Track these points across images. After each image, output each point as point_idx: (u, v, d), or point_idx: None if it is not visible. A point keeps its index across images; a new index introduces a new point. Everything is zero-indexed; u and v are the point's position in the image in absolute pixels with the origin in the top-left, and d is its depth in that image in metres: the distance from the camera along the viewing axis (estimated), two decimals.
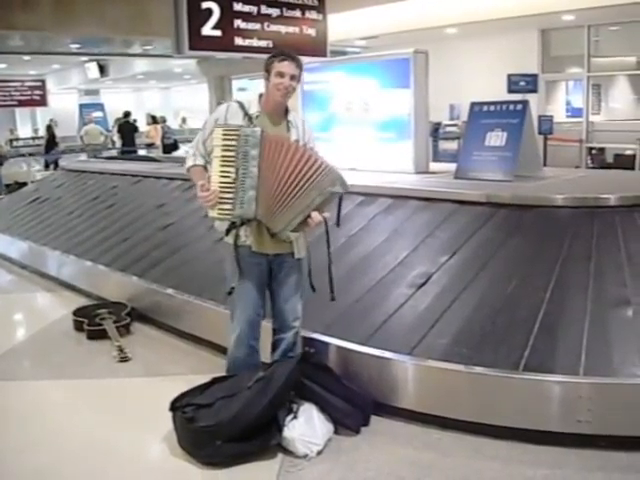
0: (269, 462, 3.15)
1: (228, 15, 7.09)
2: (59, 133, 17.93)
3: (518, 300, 3.67)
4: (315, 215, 3.24)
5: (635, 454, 3.07)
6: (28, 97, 17.43)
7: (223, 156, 3.22)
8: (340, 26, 10.45)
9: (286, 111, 3.47)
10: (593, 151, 13.44)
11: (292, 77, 3.34)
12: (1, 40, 14.26)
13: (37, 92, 17.36)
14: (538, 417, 3.19)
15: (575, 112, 14.37)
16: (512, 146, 5.30)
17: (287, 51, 3.50)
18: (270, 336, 3.63)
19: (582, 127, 13.66)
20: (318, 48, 8.04)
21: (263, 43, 7.28)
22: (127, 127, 17.58)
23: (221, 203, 3.23)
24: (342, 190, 3.27)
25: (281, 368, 3.34)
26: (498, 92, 11.53)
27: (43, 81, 17.98)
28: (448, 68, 12.63)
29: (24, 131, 23.50)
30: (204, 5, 6.91)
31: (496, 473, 3.00)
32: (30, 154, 14.78)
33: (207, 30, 6.95)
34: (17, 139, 17.24)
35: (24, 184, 12.23)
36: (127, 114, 17.80)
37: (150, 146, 17.31)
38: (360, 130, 6.38)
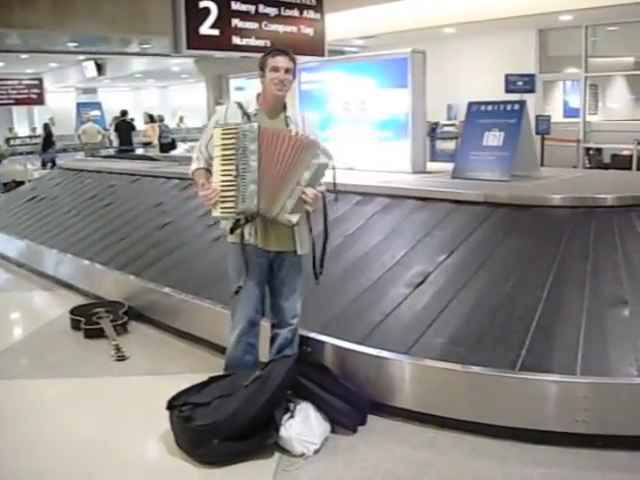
0: (266, 461, 3.15)
1: (226, 14, 7.07)
2: (56, 132, 17.91)
3: (515, 299, 3.67)
4: (308, 190, 3.24)
5: (632, 453, 3.07)
6: (25, 96, 17.40)
7: (223, 155, 3.25)
8: (338, 26, 10.45)
9: (285, 108, 3.50)
10: (590, 151, 13.46)
11: (287, 70, 3.38)
12: None
13: (34, 91, 17.33)
14: (535, 416, 3.19)
15: (572, 112, 14.38)
16: (509, 146, 5.31)
17: (278, 47, 3.55)
18: (269, 334, 3.64)
19: (579, 127, 13.69)
20: (316, 47, 8.02)
21: (261, 42, 7.27)
22: (124, 126, 17.55)
23: (223, 202, 3.25)
24: (327, 160, 3.29)
25: (278, 367, 3.35)
26: (496, 92, 11.56)
27: (40, 80, 17.94)
28: (446, 68, 12.64)
29: (21, 130, 23.48)
30: (202, 4, 6.89)
31: (493, 472, 3.01)
32: (27, 153, 14.75)
33: (205, 29, 6.94)
34: (14, 138, 17.20)
35: (21, 183, 12.21)
36: (124, 113, 17.77)
37: (147, 145, 17.30)
38: (358, 130, 6.38)
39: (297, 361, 3.44)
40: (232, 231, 3.42)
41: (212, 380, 3.48)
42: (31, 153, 15.19)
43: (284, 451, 3.20)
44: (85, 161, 11.00)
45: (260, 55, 3.52)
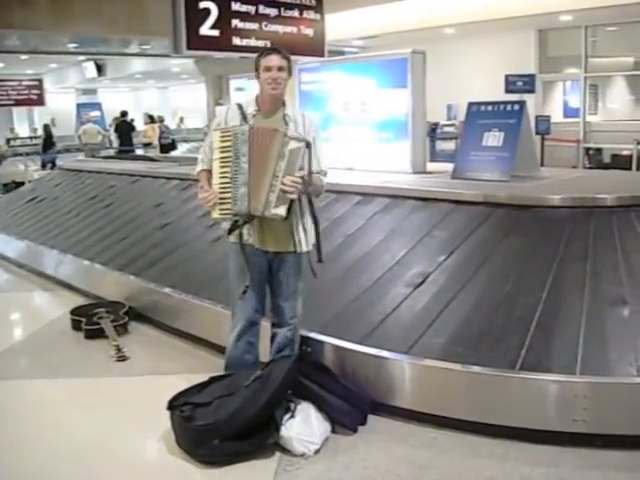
0: (267, 461, 3.16)
1: (226, 15, 7.08)
2: (57, 132, 17.91)
3: (515, 299, 3.68)
4: (286, 179, 3.21)
5: (631, 453, 3.08)
6: (25, 96, 17.41)
7: (221, 158, 3.29)
8: (338, 26, 10.45)
9: (284, 106, 3.48)
10: (590, 151, 13.47)
11: (280, 69, 3.37)
12: None
13: (34, 91, 17.33)
14: (535, 416, 3.20)
15: (572, 112, 14.38)
16: (509, 146, 5.32)
17: (270, 46, 3.55)
18: (269, 333, 3.65)
19: (579, 127, 13.70)
20: (316, 48, 8.03)
21: (261, 43, 7.27)
22: (124, 126, 17.57)
23: (221, 203, 3.28)
24: (298, 145, 3.24)
25: (279, 367, 3.35)
26: (495, 92, 11.58)
27: (40, 80, 17.94)
28: (446, 68, 12.65)
29: (21, 131, 23.47)
30: (202, 5, 6.90)
31: (493, 471, 3.01)
32: (27, 153, 14.77)
33: (205, 30, 6.95)
34: (15, 138, 17.21)
35: (21, 183, 12.22)
36: (124, 114, 17.80)
37: (147, 145, 17.32)
38: (358, 130, 6.39)
39: (297, 361, 3.46)
40: (230, 232, 3.45)
41: (212, 380, 3.49)
42: (31, 154, 15.20)
43: (285, 451, 3.20)
44: (85, 162, 11.01)
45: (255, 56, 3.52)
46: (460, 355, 3.37)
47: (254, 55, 3.53)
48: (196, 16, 6.82)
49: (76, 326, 5.02)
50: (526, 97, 10.26)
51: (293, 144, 3.23)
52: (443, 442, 3.27)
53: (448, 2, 12.19)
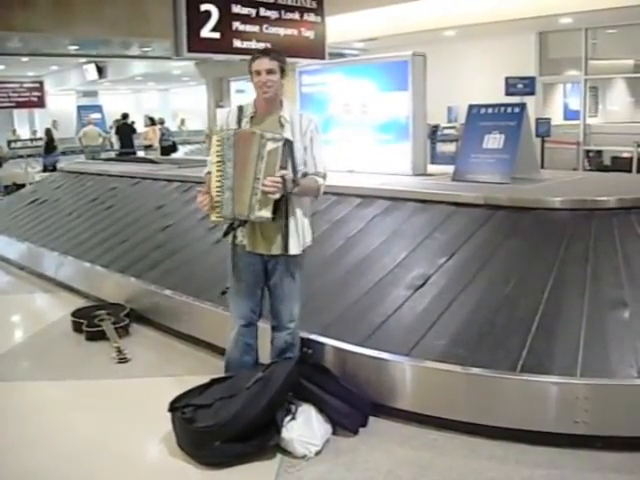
0: (268, 463, 3.16)
1: (227, 17, 7.10)
2: (57, 135, 17.91)
3: (516, 301, 3.69)
4: (266, 181, 3.18)
5: (631, 455, 3.08)
6: (26, 98, 17.37)
7: (217, 162, 3.29)
8: (339, 28, 10.46)
9: (281, 107, 3.45)
10: (590, 153, 13.49)
11: (269, 72, 3.33)
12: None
13: (35, 93, 17.30)
14: (535, 418, 3.21)
15: (572, 115, 14.39)
16: (510, 148, 5.32)
17: (262, 49, 3.54)
18: (269, 336, 3.66)
19: (579, 130, 13.70)
20: (316, 50, 8.04)
21: (262, 45, 7.28)
22: (125, 129, 17.58)
23: (217, 207, 3.30)
24: (275, 145, 3.19)
25: (280, 369, 3.36)
26: (496, 94, 11.59)
27: (41, 82, 17.89)
28: (446, 70, 12.66)
29: (22, 133, 23.47)
30: (203, 7, 6.91)
31: (493, 473, 3.02)
32: (28, 155, 14.77)
33: (206, 32, 6.96)
34: (16, 140, 17.19)
35: (22, 185, 12.23)
36: (125, 116, 17.82)
37: (148, 148, 17.32)
38: (358, 132, 6.40)
39: (298, 363, 3.46)
40: (225, 235, 3.48)
41: (213, 382, 3.50)
42: (32, 156, 15.20)
43: (286, 453, 3.21)
44: (86, 164, 11.03)
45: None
46: (461, 357, 3.37)
47: None
48: (197, 18, 6.84)
49: (77, 328, 5.03)
50: (526, 99, 10.25)
51: (270, 145, 3.20)
52: (444, 444, 3.28)
53: (449, 4, 12.21)
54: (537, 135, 11.77)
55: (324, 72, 6.92)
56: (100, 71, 21.32)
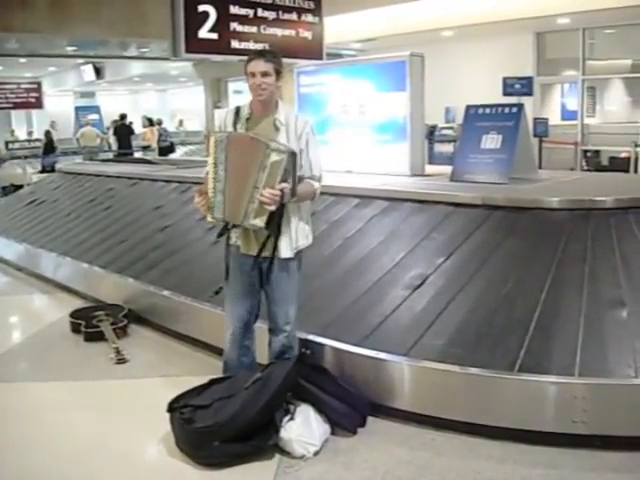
0: (266, 463, 3.16)
1: (225, 18, 7.11)
2: (55, 136, 17.91)
3: (514, 301, 3.69)
4: (266, 192, 3.15)
5: (630, 454, 3.09)
6: (24, 99, 17.38)
7: (212, 163, 3.28)
8: (336, 29, 10.47)
9: (276, 109, 3.41)
10: (588, 154, 13.49)
11: (264, 74, 3.30)
12: None
13: (33, 94, 17.30)
14: (533, 418, 3.21)
15: (570, 115, 14.40)
16: (507, 149, 5.33)
17: (258, 50, 3.52)
18: (266, 337, 3.65)
19: (577, 130, 13.70)
20: (314, 51, 8.06)
21: (259, 46, 7.30)
22: (124, 129, 17.58)
23: (212, 207, 3.30)
24: (280, 157, 3.16)
25: (278, 369, 3.36)
26: (493, 95, 11.59)
27: (39, 83, 17.89)
28: (444, 71, 12.65)
29: (20, 134, 23.46)
30: (201, 8, 6.93)
31: (491, 473, 3.02)
32: (26, 156, 14.76)
33: (204, 33, 6.98)
34: (13, 141, 17.18)
35: (20, 186, 12.22)
36: (123, 117, 17.82)
37: (146, 148, 17.32)
38: (356, 132, 6.40)
39: (297, 363, 3.46)
40: (219, 235, 3.50)
41: (212, 382, 3.50)
42: (30, 157, 15.20)
43: (284, 453, 3.21)
44: (84, 164, 11.03)
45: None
46: (459, 357, 3.38)
47: None
48: (195, 19, 6.85)
49: (76, 329, 5.03)
50: (524, 100, 10.26)
51: (275, 156, 3.16)
52: (442, 443, 3.28)
53: (446, 5, 12.22)
54: (535, 135, 11.78)
55: (322, 73, 6.92)
56: (98, 72, 21.31)
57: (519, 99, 11.00)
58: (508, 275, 3.90)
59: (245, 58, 3.42)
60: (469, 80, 14.17)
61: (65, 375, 4.34)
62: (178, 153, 18.19)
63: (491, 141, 5.44)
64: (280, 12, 7.68)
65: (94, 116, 20.82)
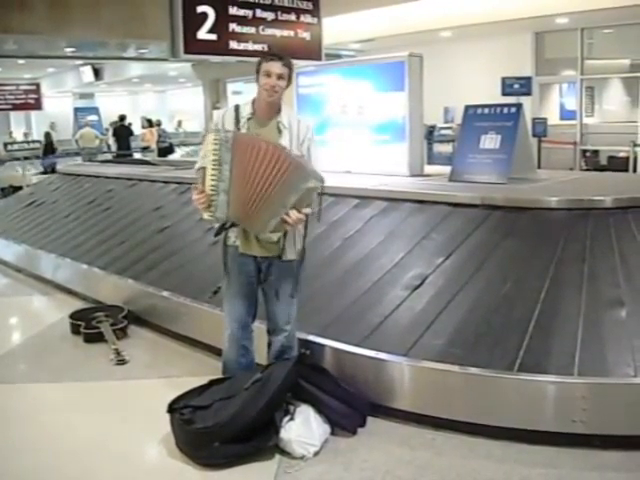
0: (266, 463, 3.17)
1: (223, 19, 7.11)
2: (55, 137, 17.92)
3: (513, 301, 3.69)
4: (292, 213, 3.19)
5: (630, 453, 3.10)
6: (23, 101, 17.36)
7: (213, 160, 3.26)
8: (335, 29, 10.47)
9: (279, 112, 3.43)
10: (587, 153, 13.52)
11: (279, 77, 3.32)
12: None
13: (32, 96, 17.27)
14: (533, 417, 3.22)
15: (569, 115, 14.43)
16: (506, 149, 5.33)
17: (276, 52, 3.53)
18: (265, 337, 3.66)
19: (576, 129, 13.72)
20: (313, 51, 8.07)
21: (258, 47, 7.31)
22: (122, 130, 17.60)
23: (210, 206, 3.29)
24: (316, 185, 3.21)
25: (278, 370, 3.36)
26: (492, 95, 11.60)
27: (38, 85, 17.86)
28: (443, 71, 12.68)
29: (19, 135, 23.45)
30: (199, 9, 6.93)
31: (491, 472, 3.03)
32: (25, 158, 14.75)
33: (202, 34, 6.98)
34: (12, 143, 17.17)
35: (19, 188, 12.21)
36: (123, 118, 17.83)
37: (145, 149, 17.33)
38: (355, 133, 6.40)
39: (296, 364, 3.46)
40: (216, 234, 3.47)
41: (212, 383, 3.50)
42: (29, 158, 15.19)
43: (284, 453, 3.22)
44: (83, 166, 11.02)
45: (257, 59, 3.51)
46: (458, 357, 3.38)
47: (251, 59, 3.53)
48: (194, 20, 6.86)
49: (75, 330, 5.03)
50: (523, 99, 10.27)
51: (312, 182, 3.19)
52: (442, 443, 3.29)
53: (445, 5, 12.23)
54: (534, 135, 11.79)
55: (321, 73, 6.92)
56: (97, 73, 21.30)
57: (518, 99, 11.01)
58: (507, 275, 3.90)
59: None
60: (468, 80, 14.18)
61: (65, 376, 4.34)
62: (177, 154, 18.19)
63: (490, 141, 5.44)
64: (279, 13, 7.68)
65: (93, 117, 20.83)
